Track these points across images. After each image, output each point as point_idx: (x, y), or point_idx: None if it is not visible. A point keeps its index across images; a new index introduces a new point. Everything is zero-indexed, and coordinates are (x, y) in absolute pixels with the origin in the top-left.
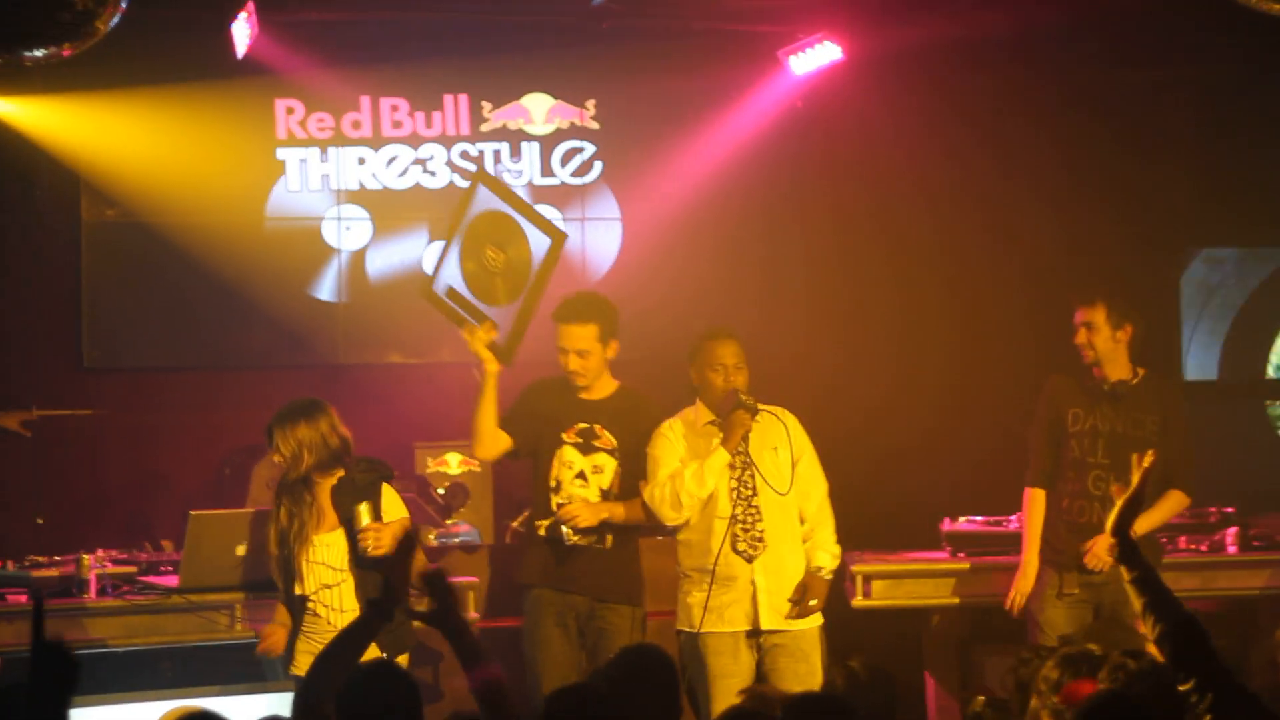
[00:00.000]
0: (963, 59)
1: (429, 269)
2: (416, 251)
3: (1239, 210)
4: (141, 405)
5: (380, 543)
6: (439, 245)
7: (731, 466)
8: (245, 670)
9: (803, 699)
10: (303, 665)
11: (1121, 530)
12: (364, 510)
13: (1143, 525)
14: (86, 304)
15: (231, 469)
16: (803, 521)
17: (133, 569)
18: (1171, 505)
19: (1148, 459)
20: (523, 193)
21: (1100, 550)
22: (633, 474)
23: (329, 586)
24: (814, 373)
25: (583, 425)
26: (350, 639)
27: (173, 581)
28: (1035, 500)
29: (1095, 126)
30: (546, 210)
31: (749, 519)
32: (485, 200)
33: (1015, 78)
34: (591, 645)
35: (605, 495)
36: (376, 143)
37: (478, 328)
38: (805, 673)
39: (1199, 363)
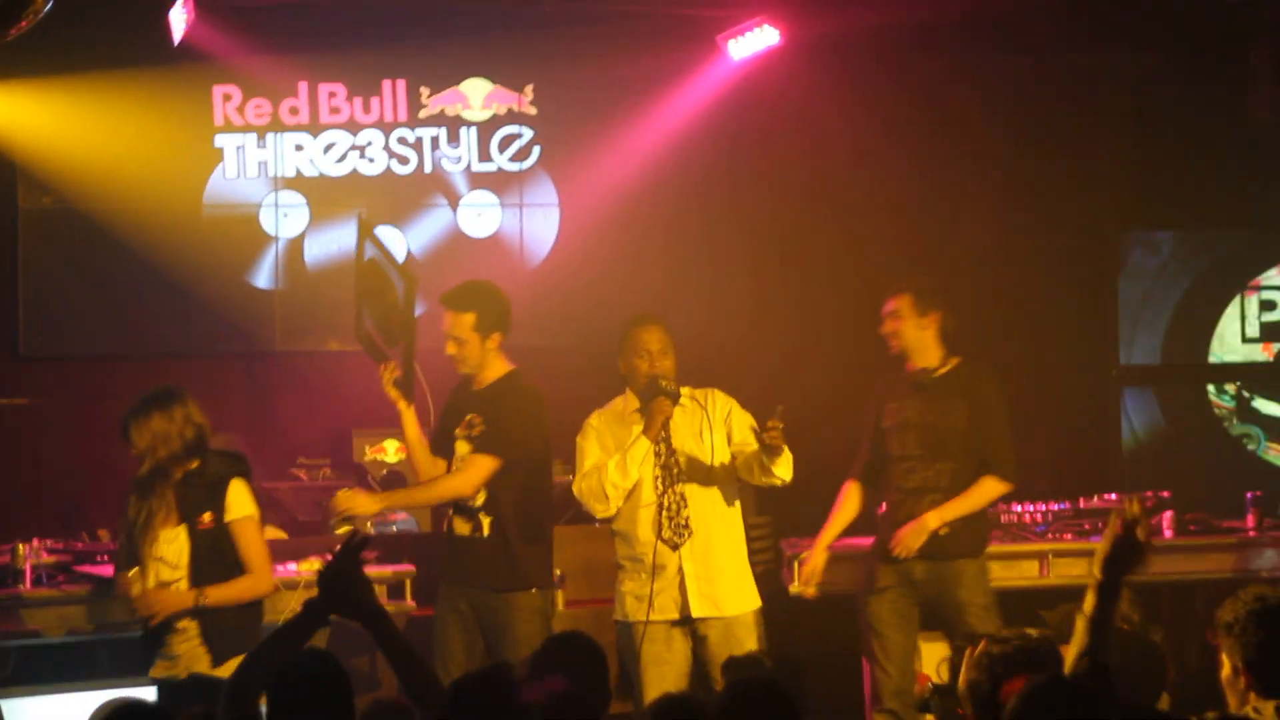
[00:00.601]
0: (901, 43)
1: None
2: (353, 238)
3: (1173, 194)
4: (79, 394)
5: (154, 610)
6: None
7: (656, 454)
8: None
9: (742, 685)
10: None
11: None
12: (133, 576)
13: (951, 512)
14: (23, 292)
15: None
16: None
17: (68, 558)
18: (985, 491)
19: (1134, 506)
20: (460, 179)
21: (904, 537)
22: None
23: (165, 584)
24: (758, 359)
25: (469, 416)
26: (283, 638)
27: (109, 571)
28: (844, 491)
29: (1033, 110)
30: (482, 197)
31: (674, 506)
32: (368, 249)
33: (953, 63)
34: (486, 633)
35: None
36: (315, 129)
37: (384, 370)
38: (742, 659)
39: (1144, 347)
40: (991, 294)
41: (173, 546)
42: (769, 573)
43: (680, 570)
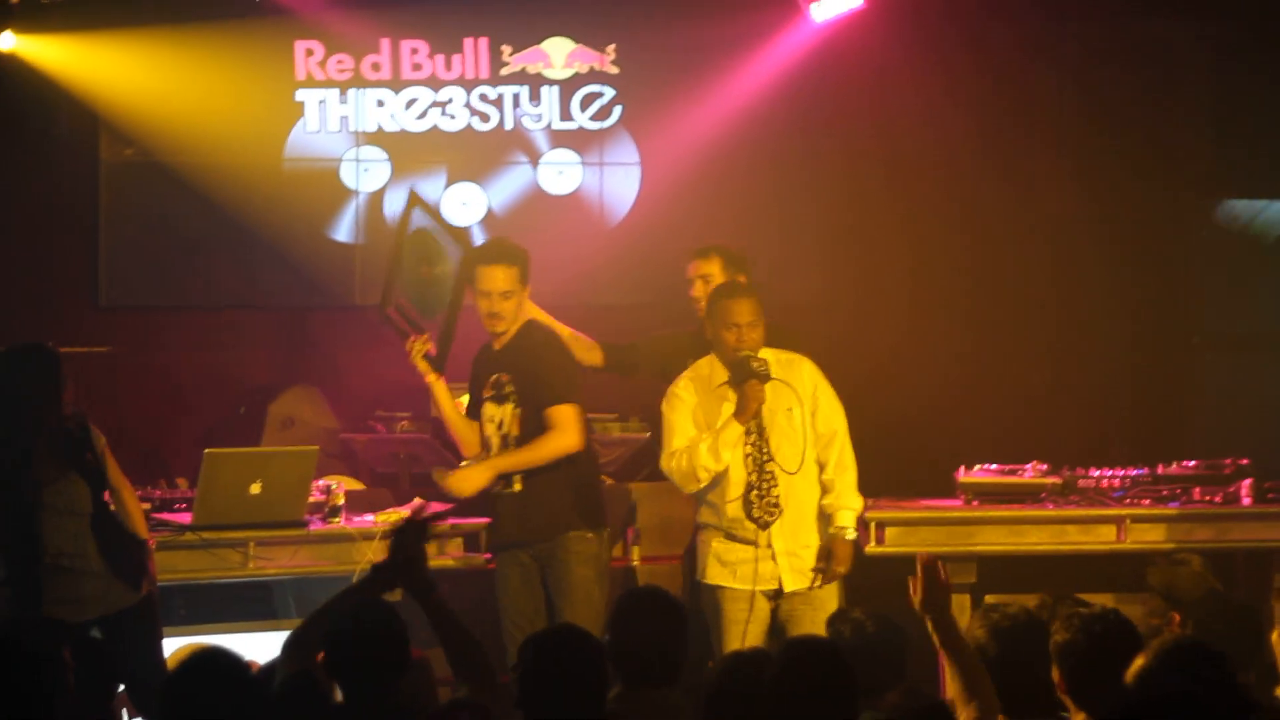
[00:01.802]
0: (983, 8)
1: (380, 289)
2: (434, 194)
3: (1254, 162)
4: (158, 344)
5: None
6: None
7: (745, 433)
8: (257, 608)
9: (799, 643)
10: None
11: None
12: None
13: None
14: (104, 243)
15: (247, 407)
16: (823, 470)
17: (146, 505)
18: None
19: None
20: (541, 137)
21: None
22: (531, 412)
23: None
24: (830, 320)
25: (494, 377)
26: (349, 596)
27: (186, 519)
28: None
29: (1115, 77)
30: (562, 155)
31: (764, 486)
32: (417, 219)
33: (1036, 28)
34: (545, 583)
35: (507, 441)
36: (396, 85)
37: (416, 341)
38: (822, 621)
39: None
40: (1071, 263)
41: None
42: None
43: (770, 546)
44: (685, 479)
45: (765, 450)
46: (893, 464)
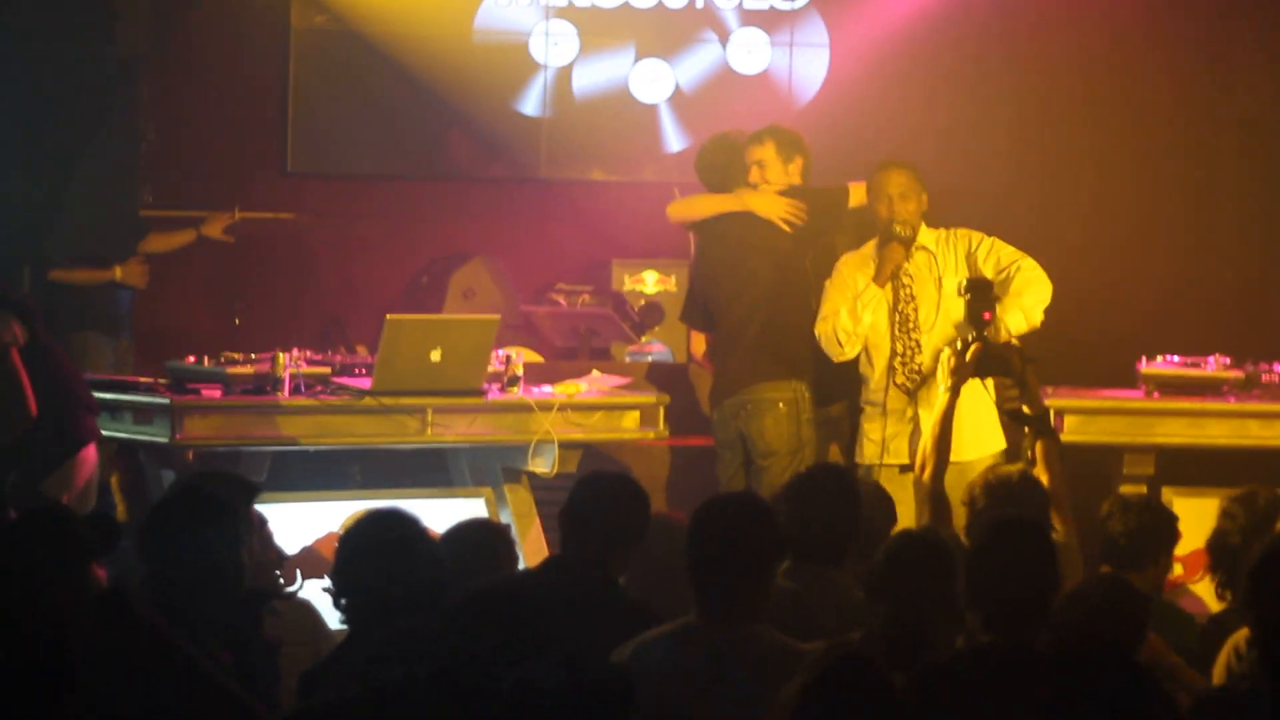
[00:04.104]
0: None
1: None
2: (623, 70)
3: None
4: (343, 211)
5: None
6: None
7: (895, 299)
8: (433, 476)
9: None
10: None
11: None
12: None
13: None
14: (293, 109)
15: (429, 277)
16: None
17: (327, 370)
18: None
19: None
20: (731, 16)
21: None
22: None
23: None
24: (1014, 210)
25: None
26: None
27: (366, 384)
28: None
29: None
30: (752, 34)
31: (908, 352)
32: None
33: None
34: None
35: None
36: None
37: None
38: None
39: None
40: (1266, 159)
41: None
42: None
43: (915, 415)
44: (830, 343)
45: (912, 317)
46: (1075, 354)
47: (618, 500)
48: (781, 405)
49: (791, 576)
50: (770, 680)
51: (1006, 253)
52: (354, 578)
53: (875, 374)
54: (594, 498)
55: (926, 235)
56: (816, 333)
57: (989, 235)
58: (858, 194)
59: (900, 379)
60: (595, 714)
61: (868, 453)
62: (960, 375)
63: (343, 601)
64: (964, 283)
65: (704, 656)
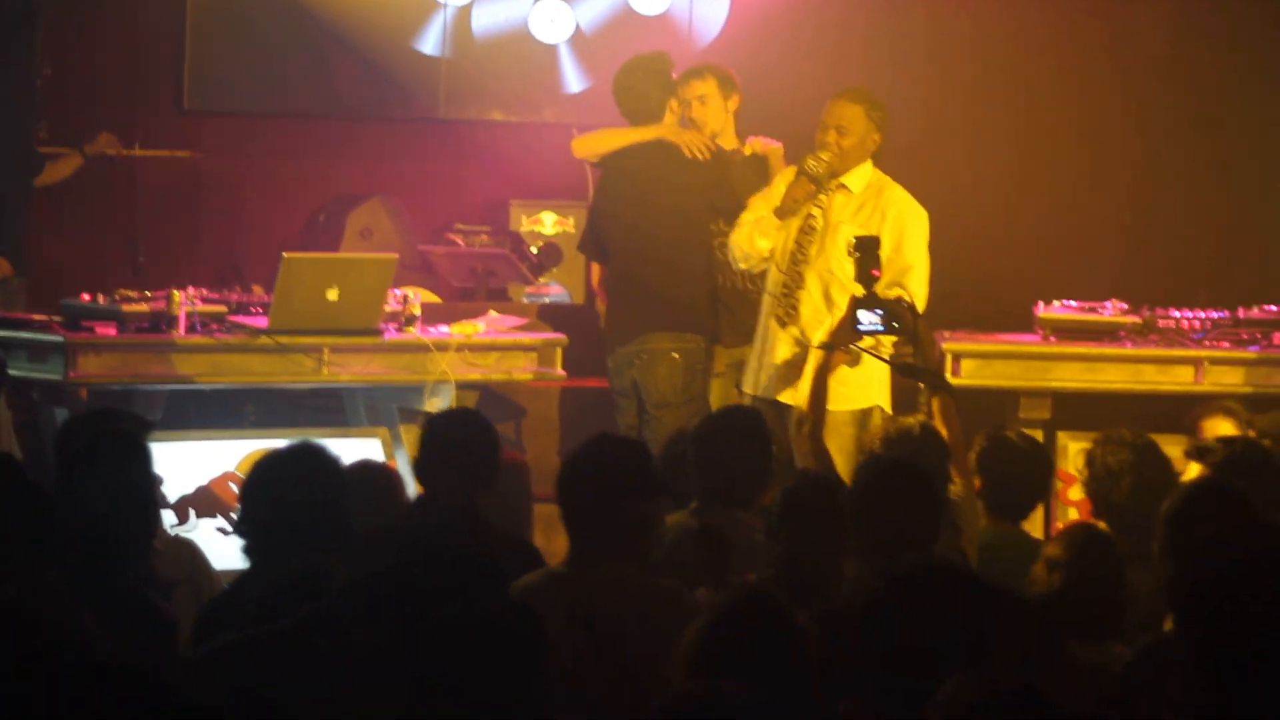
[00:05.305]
0: None
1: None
2: (523, 9)
3: None
4: (240, 150)
5: None
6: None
7: (803, 231)
8: (329, 416)
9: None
10: None
11: None
12: None
13: None
14: (190, 47)
15: (327, 216)
16: None
17: (223, 308)
18: None
19: None
20: None
21: None
22: None
23: None
24: (932, 158)
25: None
26: None
27: (262, 323)
28: None
29: None
30: None
31: (791, 285)
32: None
33: None
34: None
35: None
36: None
37: None
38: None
39: None
40: (1156, 105)
41: None
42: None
43: (775, 350)
44: (733, 254)
45: (808, 252)
46: (973, 298)
47: (470, 440)
48: (675, 354)
49: (700, 517)
50: (642, 622)
51: (915, 250)
52: (262, 505)
53: (765, 301)
54: (446, 439)
55: (858, 177)
56: (730, 238)
57: (919, 221)
58: (775, 157)
59: (779, 311)
60: (509, 649)
61: (746, 381)
62: (838, 339)
63: (245, 529)
64: (853, 241)
65: (571, 600)
